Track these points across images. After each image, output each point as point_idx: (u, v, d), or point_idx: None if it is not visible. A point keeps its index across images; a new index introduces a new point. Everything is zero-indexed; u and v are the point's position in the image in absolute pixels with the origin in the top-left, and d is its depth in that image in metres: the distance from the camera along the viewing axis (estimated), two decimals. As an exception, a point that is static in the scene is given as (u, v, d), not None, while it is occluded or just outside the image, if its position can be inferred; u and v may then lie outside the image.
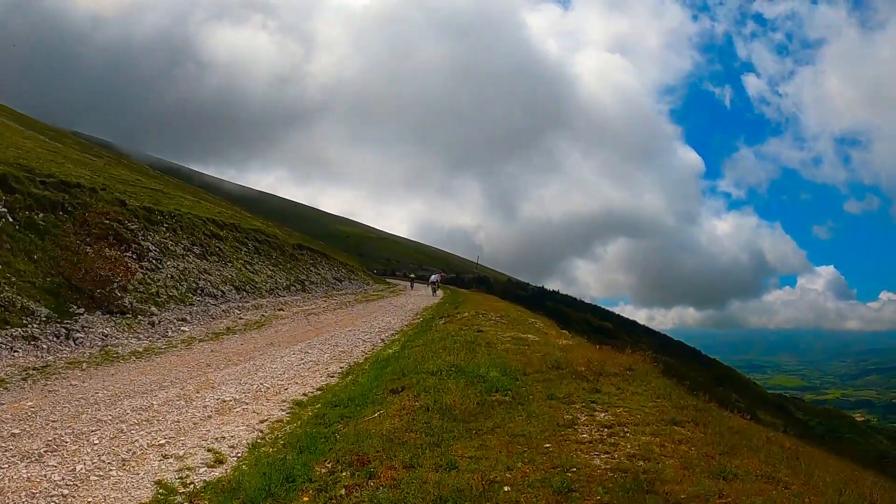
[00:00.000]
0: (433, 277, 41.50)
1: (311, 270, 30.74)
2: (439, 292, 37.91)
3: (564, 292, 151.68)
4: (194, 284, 17.44)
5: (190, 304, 15.87)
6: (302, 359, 10.83)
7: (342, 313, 19.59)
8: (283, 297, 21.91)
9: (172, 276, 16.98)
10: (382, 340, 13.37)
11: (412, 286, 48.48)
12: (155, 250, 18.03)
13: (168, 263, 17.65)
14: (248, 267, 23.02)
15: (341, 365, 10.50)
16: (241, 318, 15.82)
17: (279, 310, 18.85)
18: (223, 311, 16.30)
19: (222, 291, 18.33)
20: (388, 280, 62.14)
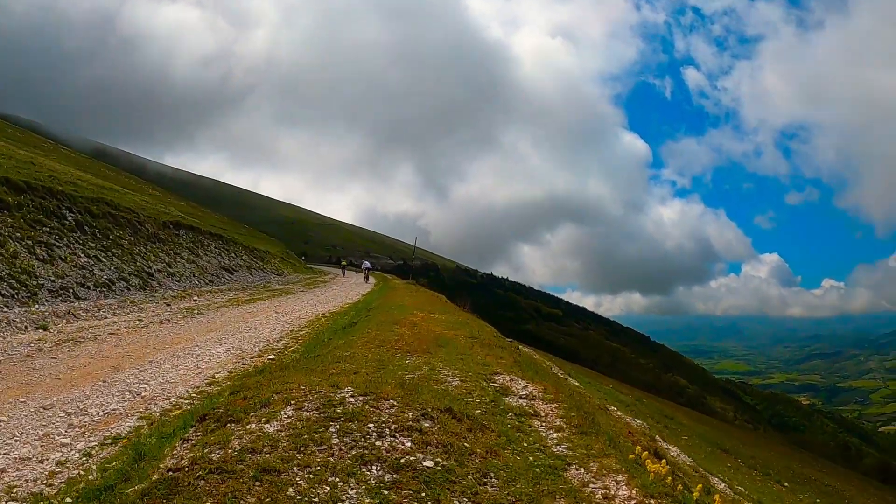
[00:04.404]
0: (365, 264, 42.87)
1: (179, 258, 22.25)
2: (371, 279, 39.45)
3: (513, 279, 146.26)
4: None
5: None
6: None
7: (155, 332, 11.39)
8: (83, 300, 13.56)
9: None
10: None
11: (343, 273, 46.74)
12: None
13: None
14: (37, 251, 14.52)
15: None
16: None
17: (37, 328, 10.61)
18: None
19: (-85, 297, 9.92)
20: (316, 268, 54.18)
